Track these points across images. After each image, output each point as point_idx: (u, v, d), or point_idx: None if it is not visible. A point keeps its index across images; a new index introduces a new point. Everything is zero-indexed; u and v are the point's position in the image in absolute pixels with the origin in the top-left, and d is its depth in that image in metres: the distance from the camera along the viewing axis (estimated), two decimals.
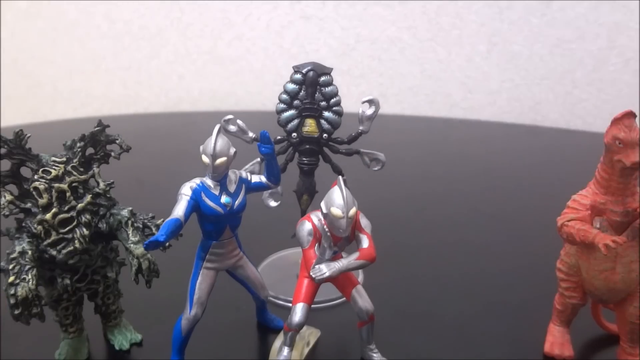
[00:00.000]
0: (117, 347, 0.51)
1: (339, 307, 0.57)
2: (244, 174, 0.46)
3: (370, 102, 0.53)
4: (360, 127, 0.53)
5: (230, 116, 0.54)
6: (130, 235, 0.46)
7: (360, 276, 0.61)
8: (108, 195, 0.47)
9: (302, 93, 0.53)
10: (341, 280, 0.46)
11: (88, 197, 0.45)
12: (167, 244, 0.43)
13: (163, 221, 0.43)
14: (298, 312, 0.45)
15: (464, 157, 1.03)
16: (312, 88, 0.52)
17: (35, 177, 0.44)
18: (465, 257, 0.67)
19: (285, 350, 0.46)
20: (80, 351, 0.50)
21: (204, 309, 0.46)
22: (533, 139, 1.14)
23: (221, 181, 0.44)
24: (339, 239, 0.44)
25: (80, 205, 0.45)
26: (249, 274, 0.49)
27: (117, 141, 0.49)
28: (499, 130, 1.19)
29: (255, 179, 0.47)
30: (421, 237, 0.73)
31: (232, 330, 0.53)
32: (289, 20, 1.27)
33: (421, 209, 0.82)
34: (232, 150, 0.44)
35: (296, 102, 0.53)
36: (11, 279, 0.41)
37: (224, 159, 0.43)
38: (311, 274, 0.43)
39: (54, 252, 0.44)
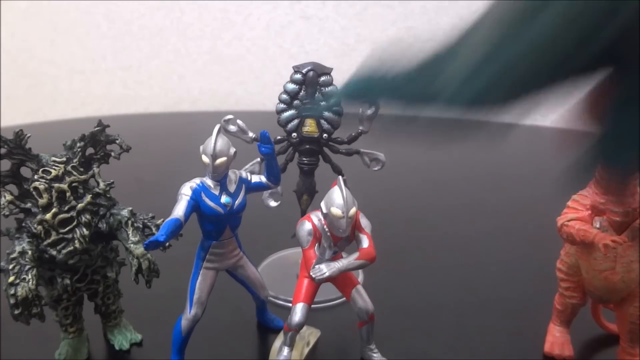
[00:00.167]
0: (117, 347, 0.51)
1: (339, 307, 0.57)
2: (244, 174, 0.46)
3: None
4: (360, 127, 0.53)
5: (230, 116, 0.54)
6: (130, 235, 0.46)
7: (360, 276, 0.61)
8: (108, 195, 0.47)
9: (302, 93, 0.53)
10: (341, 280, 0.46)
11: (88, 197, 0.45)
12: (167, 244, 0.43)
13: (163, 221, 0.43)
14: (298, 312, 0.45)
15: (465, 156, 1.03)
16: (312, 88, 0.52)
17: (35, 177, 0.44)
18: (465, 258, 0.67)
19: (285, 350, 0.46)
20: (80, 351, 0.50)
21: (204, 309, 0.46)
22: (533, 139, 1.14)
23: (221, 181, 0.44)
24: (339, 239, 0.44)
25: (80, 205, 0.45)
26: (249, 274, 0.49)
27: (117, 141, 0.49)
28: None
29: (255, 179, 0.47)
30: (421, 237, 0.73)
31: (232, 330, 0.53)
32: (289, 20, 1.27)
33: (421, 209, 0.82)
34: (232, 150, 0.44)
35: (296, 102, 0.53)
36: (11, 279, 0.41)
37: (224, 159, 0.43)
38: (311, 274, 0.43)
39: (54, 252, 0.44)
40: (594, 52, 0.13)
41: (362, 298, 0.47)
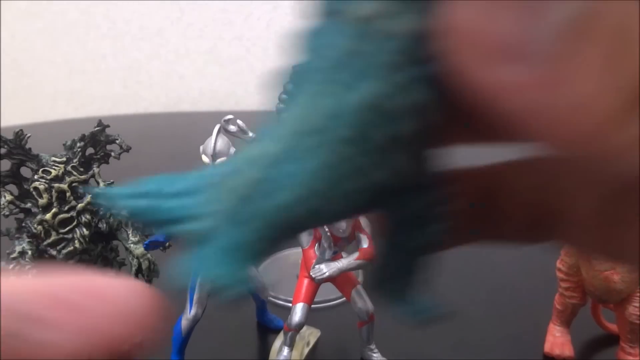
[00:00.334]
0: None
1: (339, 307, 0.57)
2: None
3: None
4: None
5: (230, 116, 0.54)
6: (130, 235, 0.46)
7: (360, 276, 0.61)
8: None
9: None
10: (341, 280, 0.46)
11: (88, 197, 0.45)
12: (167, 244, 0.43)
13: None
14: (298, 312, 0.45)
15: (465, 156, 1.03)
16: None
17: (35, 177, 0.44)
18: (465, 257, 0.67)
19: (285, 350, 0.46)
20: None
21: (204, 309, 0.46)
22: None
23: None
24: (338, 239, 0.44)
25: (80, 205, 0.45)
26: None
27: (117, 141, 0.49)
28: None
29: None
30: None
31: (232, 330, 0.53)
32: (289, 20, 1.27)
33: None
34: (232, 150, 0.44)
35: None
36: None
37: (224, 159, 0.43)
38: (311, 274, 0.43)
39: (54, 252, 0.44)
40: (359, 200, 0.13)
41: (362, 298, 0.47)
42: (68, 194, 0.44)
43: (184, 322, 0.46)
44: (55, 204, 0.44)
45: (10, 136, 0.44)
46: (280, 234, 0.13)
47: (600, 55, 0.09)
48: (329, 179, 0.12)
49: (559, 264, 0.48)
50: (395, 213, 0.14)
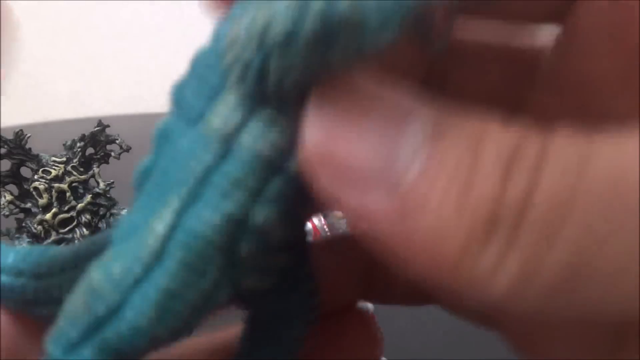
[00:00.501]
0: None
1: None
2: None
3: None
4: None
5: None
6: None
7: None
8: (108, 195, 0.47)
9: None
10: None
11: (88, 197, 0.45)
12: None
13: None
14: None
15: None
16: None
17: (35, 177, 0.44)
18: None
19: None
20: None
21: None
22: None
23: None
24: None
25: (80, 205, 0.45)
26: None
27: (117, 141, 0.49)
28: None
29: None
30: None
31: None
32: None
33: None
34: None
35: None
36: None
37: None
38: None
39: None
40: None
41: None
42: (68, 194, 0.44)
43: None
44: (55, 204, 0.44)
45: (10, 136, 0.44)
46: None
47: (451, 180, 0.09)
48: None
49: None
50: (259, 311, 0.14)
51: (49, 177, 0.44)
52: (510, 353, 0.47)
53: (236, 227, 0.12)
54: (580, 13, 0.13)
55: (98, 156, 0.48)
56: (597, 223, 0.09)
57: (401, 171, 0.10)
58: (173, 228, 0.12)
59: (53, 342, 0.12)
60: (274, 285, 0.13)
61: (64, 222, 0.44)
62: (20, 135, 0.44)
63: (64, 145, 0.47)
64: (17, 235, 0.44)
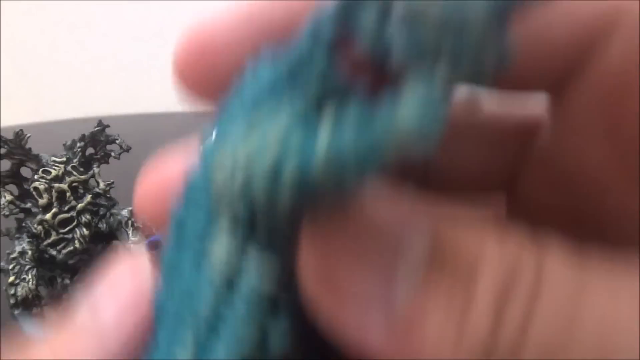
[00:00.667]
0: None
1: None
2: None
3: None
4: None
5: None
6: (130, 235, 0.46)
7: None
8: (108, 195, 0.47)
9: None
10: None
11: (88, 197, 0.45)
12: None
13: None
14: None
15: None
16: None
17: (35, 177, 0.44)
18: None
19: None
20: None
21: None
22: None
23: None
24: None
25: (80, 205, 0.45)
26: None
27: (117, 141, 0.49)
28: None
29: None
30: None
31: None
32: None
33: None
34: None
35: None
36: (11, 279, 0.41)
37: None
38: None
39: (54, 252, 0.44)
40: None
41: None
42: (68, 194, 0.44)
43: None
44: (55, 204, 0.44)
45: (10, 136, 0.44)
46: None
47: (447, 313, 0.09)
48: None
49: None
50: None
51: (49, 177, 0.44)
52: None
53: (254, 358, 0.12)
54: (576, 94, 0.13)
55: (98, 156, 0.48)
56: None
57: (398, 299, 0.10)
58: None
59: None
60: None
61: (64, 222, 0.44)
62: (20, 135, 0.44)
63: (64, 145, 0.47)
64: (17, 235, 0.44)
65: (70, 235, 0.44)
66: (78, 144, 0.47)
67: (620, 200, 0.13)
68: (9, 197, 0.43)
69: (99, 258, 0.47)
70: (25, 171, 0.45)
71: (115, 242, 0.48)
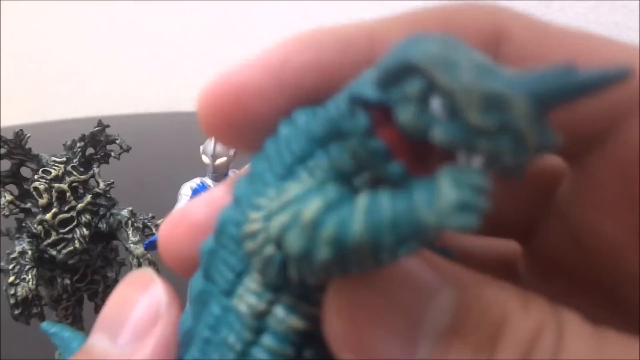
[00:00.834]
0: None
1: None
2: None
3: None
4: None
5: None
6: (130, 235, 0.46)
7: None
8: (108, 195, 0.47)
9: None
10: None
11: (88, 197, 0.45)
12: None
13: (163, 221, 0.43)
14: None
15: None
16: None
17: (35, 177, 0.44)
18: None
19: None
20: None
21: None
22: None
23: (221, 181, 0.44)
24: None
25: (80, 206, 0.45)
26: None
27: (117, 141, 0.49)
28: None
29: None
30: None
31: None
32: (289, 20, 1.27)
33: None
34: (232, 150, 0.44)
35: None
36: (11, 279, 0.41)
37: (224, 159, 0.43)
38: None
39: (54, 252, 0.44)
40: None
41: None
42: (68, 194, 0.44)
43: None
44: (55, 204, 0.44)
45: (10, 136, 0.44)
46: None
47: None
48: None
49: None
50: None
51: (49, 177, 0.44)
52: None
53: None
54: (596, 165, 0.13)
55: (98, 156, 0.48)
56: None
57: (421, 358, 0.10)
58: None
59: None
60: None
61: (64, 222, 0.44)
62: (20, 135, 0.44)
63: (64, 145, 0.47)
64: (17, 235, 0.44)
65: (70, 235, 0.44)
66: (78, 144, 0.47)
67: (633, 269, 0.13)
68: (9, 197, 0.43)
69: (99, 258, 0.47)
70: (25, 171, 0.45)
71: (115, 242, 0.48)
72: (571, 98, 0.10)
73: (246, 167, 0.15)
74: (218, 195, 0.16)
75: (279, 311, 0.13)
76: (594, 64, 0.13)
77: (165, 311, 0.15)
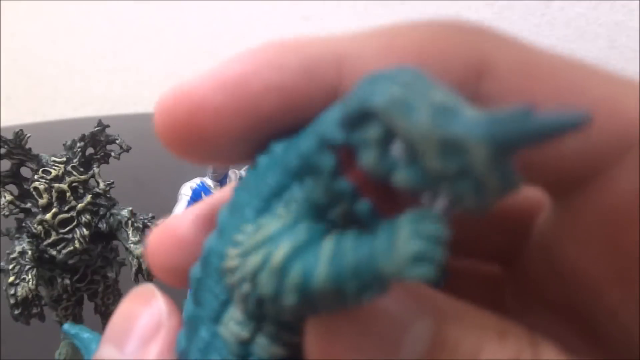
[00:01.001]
0: None
1: None
2: (244, 174, 0.46)
3: None
4: None
5: None
6: (130, 235, 0.46)
7: None
8: (108, 195, 0.47)
9: None
10: None
11: (88, 197, 0.45)
12: None
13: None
14: None
15: None
16: None
17: (35, 177, 0.44)
18: None
19: None
20: (80, 351, 0.50)
21: None
22: None
23: (221, 181, 0.44)
24: None
25: (80, 206, 0.45)
26: None
27: (117, 141, 0.49)
28: None
29: None
30: None
31: None
32: (289, 21, 1.27)
33: None
34: None
35: None
36: (11, 279, 0.41)
37: None
38: None
39: (54, 252, 0.44)
40: None
41: None
42: (68, 194, 0.44)
43: None
44: (55, 204, 0.44)
45: (10, 136, 0.44)
46: None
47: None
48: None
49: None
50: None
51: (49, 177, 0.44)
52: None
53: None
54: (579, 204, 0.13)
55: (98, 156, 0.48)
56: None
57: None
58: None
59: None
60: None
61: (64, 222, 0.44)
62: (20, 135, 0.44)
63: (64, 145, 0.47)
64: (17, 235, 0.44)
65: (70, 235, 0.44)
66: (78, 144, 0.47)
67: (612, 305, 0.13)
68: (9, 197, 0.43)
69: (99, 258, 0.47)
70: (25, 171, 0.45)
71: (115, 242, 0.48)
72: (529, 143, 0.09)
73: (245, 168, 0.15)
74: (204, 210, 0.17)
75: (262, 340, 0.13)
76: (582, 103, 0.12)
77: (167, 319, 0.15)
